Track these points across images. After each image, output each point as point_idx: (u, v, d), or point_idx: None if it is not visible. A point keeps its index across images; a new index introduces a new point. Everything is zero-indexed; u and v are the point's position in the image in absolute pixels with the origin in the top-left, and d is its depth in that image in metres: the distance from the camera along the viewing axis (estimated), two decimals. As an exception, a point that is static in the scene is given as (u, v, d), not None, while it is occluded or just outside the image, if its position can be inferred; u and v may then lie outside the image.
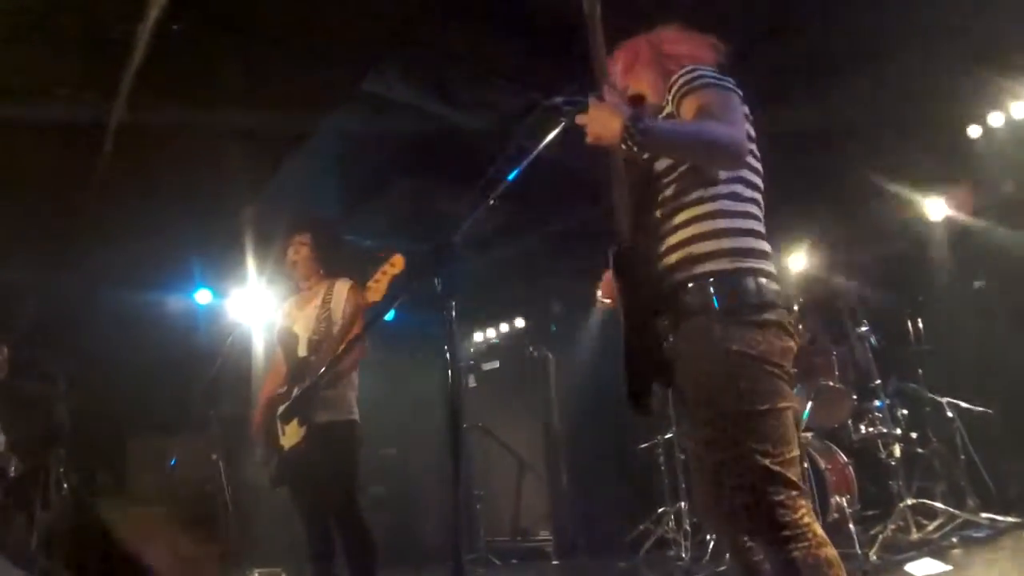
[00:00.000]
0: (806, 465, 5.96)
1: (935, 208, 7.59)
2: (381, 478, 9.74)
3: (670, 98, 2.70)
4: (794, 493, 2.36)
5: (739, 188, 2.65)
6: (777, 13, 5.85)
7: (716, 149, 2.50)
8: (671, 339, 2.55)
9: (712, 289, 2.48)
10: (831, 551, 2.34)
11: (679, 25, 3.03)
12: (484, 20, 5.91)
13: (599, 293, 3.08)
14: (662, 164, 2.66)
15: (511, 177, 2.62)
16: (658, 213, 2.68)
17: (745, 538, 2.62)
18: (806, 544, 2.30)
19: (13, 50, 5.52)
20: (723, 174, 2.63)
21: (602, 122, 2.44)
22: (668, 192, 2.67)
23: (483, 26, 6.00)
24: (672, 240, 2.62)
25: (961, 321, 7.26)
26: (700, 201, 2.61)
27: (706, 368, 2.44)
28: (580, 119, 2.52)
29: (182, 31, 5.44)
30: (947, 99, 6.84)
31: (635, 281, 2.63)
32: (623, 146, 2.38)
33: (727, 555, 6.14)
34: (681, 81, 2.66)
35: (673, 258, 2.60)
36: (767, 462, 2.35)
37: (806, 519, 2.34)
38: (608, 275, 2.98)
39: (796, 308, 6.37)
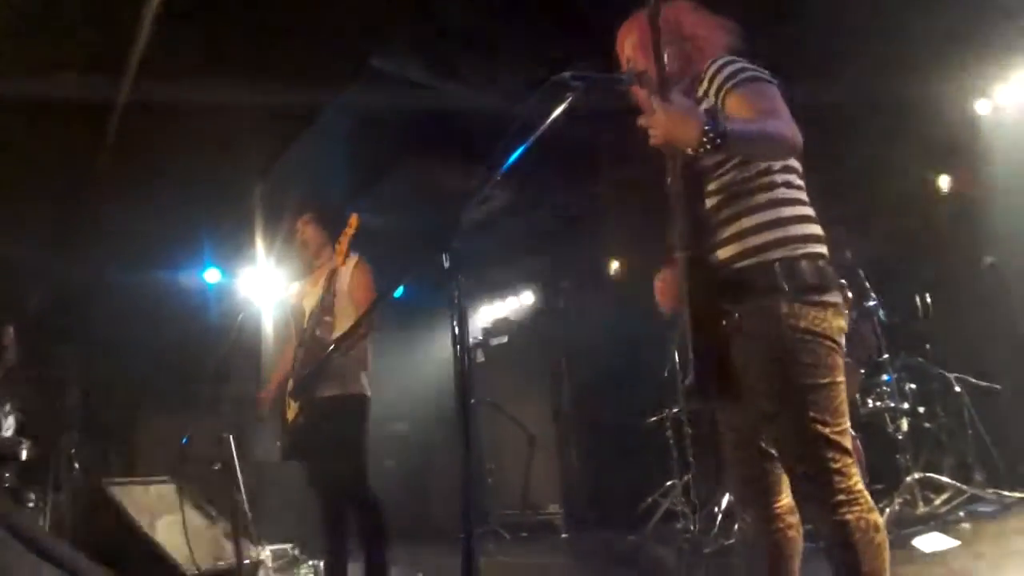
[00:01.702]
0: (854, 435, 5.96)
1: (943, 183, 7.58)
2: (391, 453, 9.80)
3: (711, 89, 2.75)
4: (849, 460, 2.51)
5: (791, 176, 2.76)
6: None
7: (780, 145, 2.60)
8: (734, 320, 2.62)
9: (778, 272, 2.59)
10: (878, 516, 2.51)
11: (690, 2, 3.05)
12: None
13: (658, 299, 3.08)
14: (713, 157, 2.68)
15: (518, 153, 2.62)
16: (712, 204, 2.75)
17: (777, 511, 2.78)
18: (859, 508, 2.46)
19: (20, 31, 5.53)
20: (775, 164, 2.72)
21: (676, 125, 2.47)
22: (721, 183, 2.75)
23: (490, 1, 5.99)
24: (731, 230, 2.70)
25: (970, 296, 7.25)
26: (757, 190, 2.71)
27: (774, 344, 2.56)
28: (645, 121, 2.55)
29: (188, 10, 5.44)
30: (955, 73, 6.82)
31: (702, 280, 2.69)
32: (700, 150, 2.44)
33: (736, 527, 6.19)
34: (725, 74, 2.72)
35: (734, 248, 2.68)
36: (827, 431, 2.51)
37: (859, 485, 2.50)
38: (663, 280, 3.06)
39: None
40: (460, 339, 2.39)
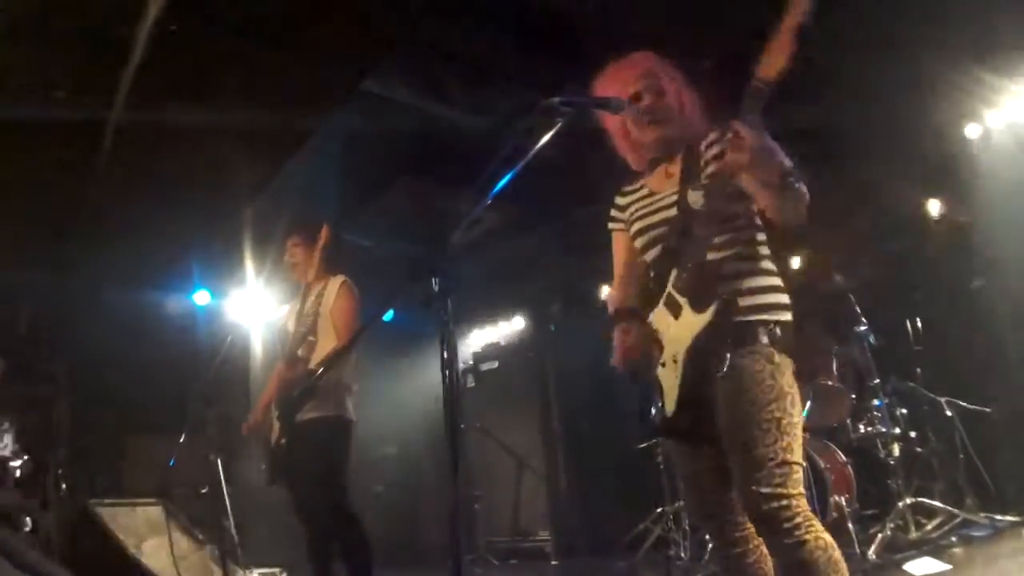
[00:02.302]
0: (805, 464, 5.96)
1: (933, 207, 7.59)
2: (380, 478, 9.76)
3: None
4: (803, 491, 2.67)
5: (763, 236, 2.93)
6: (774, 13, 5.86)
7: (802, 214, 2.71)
8: (726, 363, 2.74)
9: (763, 332, 2.77)
10: (828, 535, 2.65)
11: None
12: (482, 20, 5.92)
13: (617, 354, 3.21)
14: (711, 214, 2.77)
15: (509, 177, 2.62)
16: (714, 257, 2.82)
17: (738, 535, 2.86)
18: (815, 528, 2.60)
19: (12, 50, 5.53)
20: (761, 234, 2.91)
21: (762, 155, 2.54)
22: (724, 240, 2.84)
23: (481, 26, 6.01)
24: (729, 287, 2.79)
25: (960, 320, 7.25)
26: (755, 257, 2.89)
27: (766, 381, 2.70)
28: (729, 142, 2.58)
29: (181, 31, 5.44)
30: (946, 98, 6.84)
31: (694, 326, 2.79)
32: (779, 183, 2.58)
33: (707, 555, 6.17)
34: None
35: (740, 302, 2.78)
36: (793, 462, 2.67)
37: (809, 512, 2.65)
38: (624, 338, 3.18)
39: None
40: (448, 362, 2.38)
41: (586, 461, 9.31)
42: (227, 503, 6.38)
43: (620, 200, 3.25)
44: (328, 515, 4.89)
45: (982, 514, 5.96)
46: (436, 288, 2.43)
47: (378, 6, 5.65)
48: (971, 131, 7.26)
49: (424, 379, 9.92)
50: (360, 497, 4.96)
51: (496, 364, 10.34)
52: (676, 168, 3.01)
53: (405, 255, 8.70)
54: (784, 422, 2.66)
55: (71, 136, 6.42)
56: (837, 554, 2.61)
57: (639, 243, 3.08)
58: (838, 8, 5.81)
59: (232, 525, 6.54)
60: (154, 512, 6.18)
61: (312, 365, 4.95)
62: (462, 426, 9.61)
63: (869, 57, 6.29)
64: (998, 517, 5.88)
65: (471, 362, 10.53)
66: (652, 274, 3.00)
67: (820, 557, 2.55)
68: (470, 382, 10.35)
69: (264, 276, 7.88)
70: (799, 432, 2.74)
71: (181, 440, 6.36)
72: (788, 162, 2.57)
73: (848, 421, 6.47)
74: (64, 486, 7.42)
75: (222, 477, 5.97)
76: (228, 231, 7.88)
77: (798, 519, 2.57)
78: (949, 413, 6.46)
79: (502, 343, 10.74)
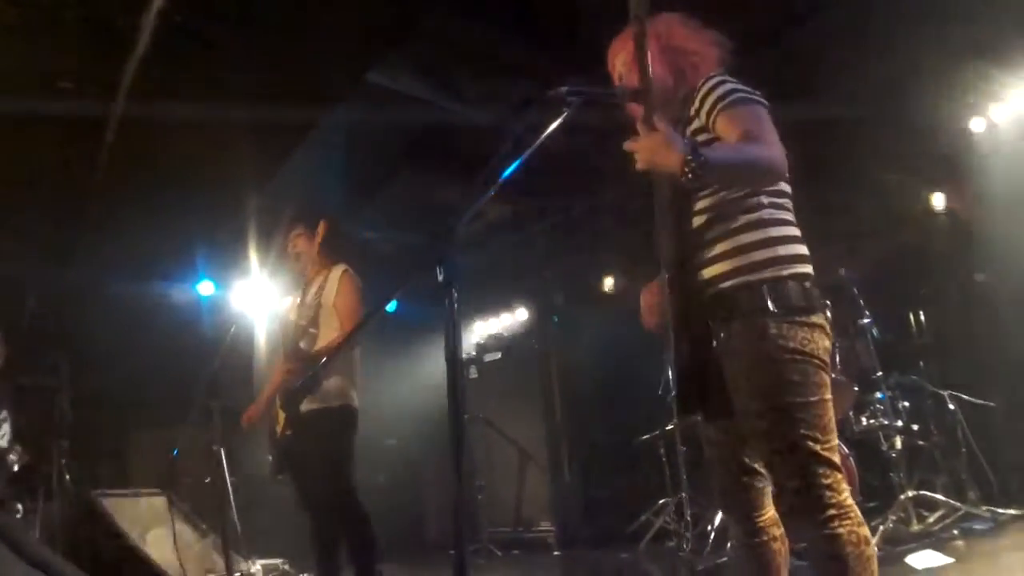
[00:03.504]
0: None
1: (937, 201, 7.59)
2: (383, 468, 9.77)
3: (703, 109, 2.78)
4: (839, 476, 2.57)
5: (777, 198, 2.79)
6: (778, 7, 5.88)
7: (762, 171, 2.66)
8: (722, 339, 2.70)
9: (766, 293, 2.66)
10: (867, 530, 2.57)
11: (681, 14, 3.06)
12: (487, 11, 5.92)
13: (644, 315, 3.09)
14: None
15: (512, 168, 2.62)
16: (699, 223, 2.79)
17: (761, 523, 2.81)
18: (849, 521, 2.51)
19: (16, 41, 5.53)
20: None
21: (658, 152, 2.49)
22: (708, 203, 2.79)
23: (486, 18, 6.00)
24: (719, 248, 2.75)
25: (963, 313, 7.26)
26: (744, 210, 2.74)
27: (763, 364, 2.62)
28: (630, 145, 2.56)
29: (186, 21, 5.44)
30: (950, 92, 6.84)
31: (687, 297, 2.76)
32: (681, 178, 2.45)
33: (729, 545, 6.17)
34: (715, 96, 2.75)
35: (723, 266, 2.73)
36: (817, 448, 2.55)
37: (849, 500, 2.56)
38: (649, 295, 3.08)
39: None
40: (452, 351, 2.38)
41: (589, 452, 9.32)
42: (230, 494, 6.39)
43: None
44: (335, 510, 4.89)
45: (984, 507, 5.96)
46: (440, 277, 2.43)
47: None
48: (976, 125, 7.26)
49: (428, 371, 9.93)
50: (363, 488, 4.95)
51: (499, 355, 10.36)
52: None
53: (408, 247, 8.71)
54: (793, 404, 2.61)
55: (75, 127, 6.42)
56: (870, 550, 2.53)
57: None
58: (843, 3, 5.84)
59: (235, 516, 6.56)
60: (158, 502, 6.20)
61: (314, 356, 4.96)
62: (465, 416, 9.62)
63: (874, 52, 6.29)
64: (1000, 511, 5.88)
65: (474, 353, 10.54)
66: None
67: (851, 553, 2.48)
68: (473, 373, 10.37)
69: (268, 267, 7.87)
70: (823, 415, 2.65)
71: (184, 431, 6.38)
72: (694, 150, 2.43)
73: (851, 414, 6.47)
74: (68, 477, 7.43)
75: (225, 468, 5.97)
76: (233, 222, 7.88)
77: (830, 511, 2.52)
78: (952, 406, 6.46)
79: (505, 334, 10.76)
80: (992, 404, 6.56)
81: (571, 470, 9.45)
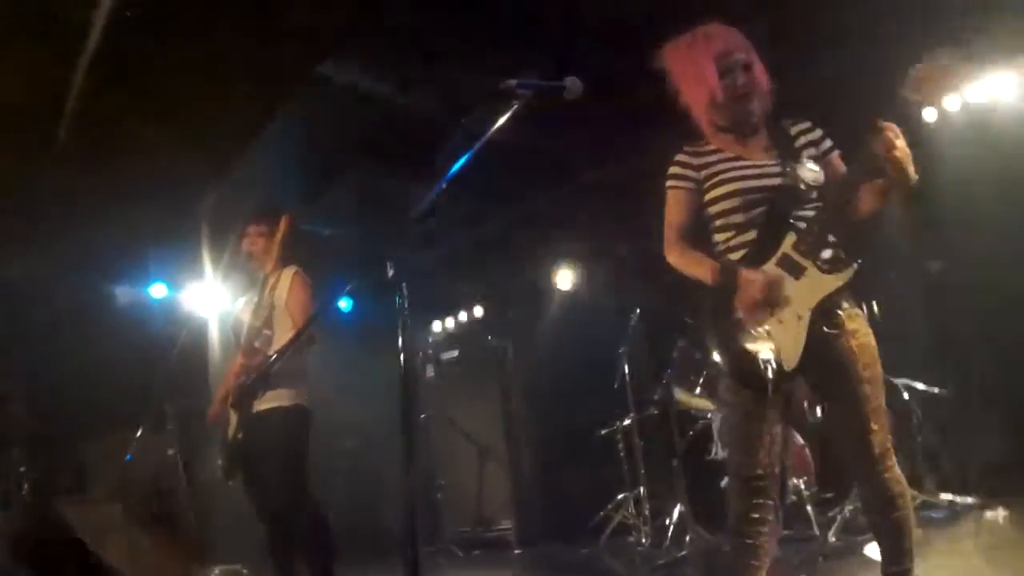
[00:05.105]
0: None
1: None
2: (341, 470, 9.71)
3: (815, 144, 3.44)
4: None
5: None
6: None
7: None
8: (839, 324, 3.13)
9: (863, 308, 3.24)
10: None
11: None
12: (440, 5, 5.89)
13: (752, 297, 3.20)
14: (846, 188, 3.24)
15: (463, 160, 2.60)
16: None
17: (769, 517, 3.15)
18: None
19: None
20: None
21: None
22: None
23: (439, 8, 5.97)
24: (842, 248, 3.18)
25: (916, 303, 7.32)
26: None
27: (872, 347, 3.16)
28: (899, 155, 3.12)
29: (138, 16, 5.35)
30: (902, 83, 6.87)
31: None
32: None
33: (688, 539, 6.21)
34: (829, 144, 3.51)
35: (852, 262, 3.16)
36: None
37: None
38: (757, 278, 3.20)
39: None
40: (404, 349, 2.35)
41: (548, 449, 9.31)
42: (187, 498, 6.33)
43: (692, 160, 3.38)
44: (290, 511, 4.84)
45: (941, 496, 6.01)
46: (391, 274, 2.41)
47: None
48: (928, 114, 7.30)
49: (386, 370, 9.87)
50: (320, 490, 4.92)
51: (456, 353, 10.31)
52: (760, 143, 3.34)
53: (363, 243, 8.64)
54: (881, 378, 3.18)
55: (27, 123, 6.31)
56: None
57: (729, 204, 3.25)
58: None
59: (193, 521, 6.49)
60: (115, 509, 6.12)
61: (264, 355, 4.91)
62: (423, 416, 9.59)
63: (823, 47, 6.33)
64: (956, 499, 5.94)
65: (431, 351, 10.49)
66: (754, 235, 3.21)
67: (904, 491, 3.36)
68: (430, 372, 10.32)
69: (222, 268, 7.80)
70: None
71: (140, 435, 6.30)
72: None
73: (805, 403, 6.49)
74: (25, 485, 7.33)
75: (182, 473, 5.92)
76: (185, 222, 7.79)
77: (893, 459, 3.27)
78: (906, 396, 6.50)
79: (462, 332, 10.71)
80: (944, 392, 6.61)
81: (531, 467, 9.43)
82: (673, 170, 3.39)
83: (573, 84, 2.86)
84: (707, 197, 3.29)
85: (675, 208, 3.37)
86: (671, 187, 3.39)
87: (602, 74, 4.01)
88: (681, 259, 3.32)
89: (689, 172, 3.35)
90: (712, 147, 3.35)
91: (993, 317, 6.90)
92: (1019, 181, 6.57)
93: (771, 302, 3.06)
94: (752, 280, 3.06)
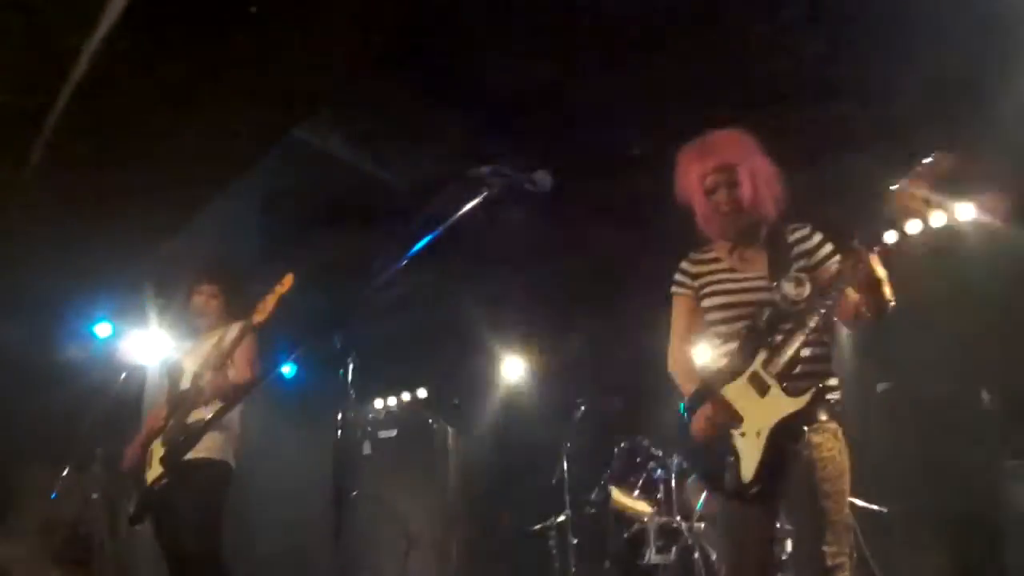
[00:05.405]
0: (696, 555, 6.00)
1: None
2: (265, 538, 9.51)
3: (814, 254, 3.47)
4: None
5: None
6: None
7: None
8: (803, 440, 3.21)
9: (837, 407, 3.44)
10: None
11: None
12: (424, 83, 5.94)
13: (707, 424, 3.36)
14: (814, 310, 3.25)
15: (424, 242, 2.59)
16: (804, 352, 3.27)
17: None
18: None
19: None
20: None
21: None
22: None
23: (423, 90, 6.02)
24: (826, 376, 3.38)
25: (862, 421, 7.36)
26: (831, 331, 3.54)
27: (836, 459, 3.27)
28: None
29: (106, 70, 5.33)
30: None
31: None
32: None
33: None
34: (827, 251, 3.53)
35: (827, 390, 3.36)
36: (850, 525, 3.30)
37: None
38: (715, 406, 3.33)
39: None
40: (342, 422, 2.32)
41: (479, 538, 9.20)
42: (106, 542, 6.20)
43: (691, 268, 3.57)
44: (197, 564, 4.76)
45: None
46: (338, 345, 2.38)
47: (321, 57, 5.61)
48: (888, 237, 7.38)
49: (322, 440, 9.71)
50: (241, 554, 4.82)
51: (395, 432, 10.22)
52: (758, 253, 3.45)
53: (314, 310, 8.58)
54: (847, 493, 3.24)
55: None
56: None
57: (717, 316, 3.43)
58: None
59: (108, 567, 6.35)
60: (36, 547, 5.99)
61: (196, 403, 4.87)
62: (354, 493, 9.45)
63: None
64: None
65: (370, 428, 10.37)
66: (735, 348, 3.33)
67: None
68: (367, 448, 10.20)
69: (168, 316, 7.74)
70: None
71: (64, 474, 6.17)
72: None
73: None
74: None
75: (104, 518, 5.79)
76: (138, 268, 7.71)
77: (847, 572, 3.12)
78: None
79: (403, 412, 10.61)
80: (884, 509, 6.62)
81: (461, 557, 9.30)
82: (676, 276, 3.59)
83: (542, 179, 2.88)
84: (702, 304, 3.47)
85: (677, 315, 3.60)
86: (673, 293, 3.60)
87: (575, 166, 4.05)
88: (674, 368, 3.57)
89: (687, 280, 3.54)
90: (712, 255, 3.53)
91: (937, 438, 6.97)
92: (972, 306, 6.71)
93: (720, 428, 3.22)
94: (701, 412, 3.28)
